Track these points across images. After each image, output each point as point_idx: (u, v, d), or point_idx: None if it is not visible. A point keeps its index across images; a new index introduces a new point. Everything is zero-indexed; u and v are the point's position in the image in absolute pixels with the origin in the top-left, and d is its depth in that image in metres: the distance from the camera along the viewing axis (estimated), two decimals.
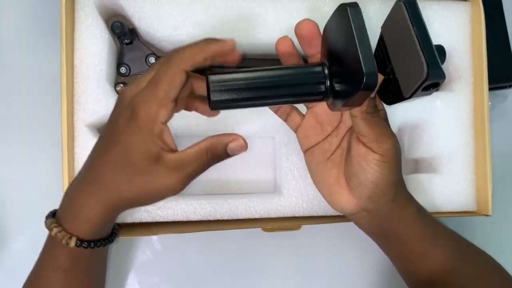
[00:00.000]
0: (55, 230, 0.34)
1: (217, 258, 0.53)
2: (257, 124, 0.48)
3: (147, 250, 0.52)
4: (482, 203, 0.50)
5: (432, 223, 0.40)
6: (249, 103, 0.31)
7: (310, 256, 0.55)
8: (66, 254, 0.35)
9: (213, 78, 0.31)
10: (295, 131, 0.39)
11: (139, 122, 0.30)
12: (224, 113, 0.36)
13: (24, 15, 0.52)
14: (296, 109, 0.39)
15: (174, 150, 0.32)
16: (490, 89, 0.52)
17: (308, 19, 0.33)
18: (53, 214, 0.36)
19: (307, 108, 0.38)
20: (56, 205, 0.46)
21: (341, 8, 0.29)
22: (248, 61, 0.50)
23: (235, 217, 0.46)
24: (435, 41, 0.50)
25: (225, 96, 0.31)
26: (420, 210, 0.39)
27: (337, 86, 0.31)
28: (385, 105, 0.36)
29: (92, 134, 0.44)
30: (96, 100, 0.44)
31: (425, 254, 0.39)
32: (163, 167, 0.31)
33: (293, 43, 0.35)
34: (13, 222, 0.51)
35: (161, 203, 0.45)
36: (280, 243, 0.54)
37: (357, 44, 0.27)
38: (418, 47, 0.28)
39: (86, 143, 0.44)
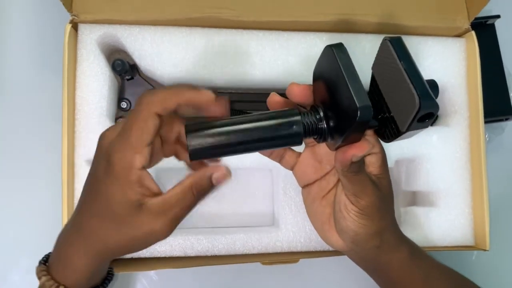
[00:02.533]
0: (43, 278, 0.34)
1: None
2: (255, 156, 0.48)
3: (144, 280, 0.52)
4: (480, 237, 0.50)
5: (426, 265, 0.40)
6: (231, 149, 0.31)
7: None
8: None
9: (189, 124, 0.31)
10: (291, 169, 0.39)
11: (115, 171, 0.29)
12: None
13: (27, 53, 0.53)
14: (290, 150, 0.39)
15: (157, 194, 0.31)
16: (487, 122, 0.53)
17: (294, 84, 0.33)
18: (45, 260, 0.36)
19: (306, 145, 0.38)
20: (53, 239, 0.46)
21: (327, 49, 0.30)
22: (246, 95, 0.51)
23: (232, 253, 0.46)
24: (430, 76, 0.51)
25: (204, 143, 0.30)
26: (413, 252, 0.38)
27: (334, 126, 0.31)
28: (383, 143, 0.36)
29: None
30: (97, 136, 0.44)
31: None
32: (146, 213, 0.30)
33: (281, 98, 0.35)
34: (11, 255, 0.51)
35: None
36: (278, 275, 0.54)
37: (347, 81, 0.28)
38: (408, 81, 0.29)
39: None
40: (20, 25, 0.54)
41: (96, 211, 0.31)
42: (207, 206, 0.50)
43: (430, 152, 0.50)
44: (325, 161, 0.38)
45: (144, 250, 0.45)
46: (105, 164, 0.30)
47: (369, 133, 0.33)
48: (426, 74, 0.51)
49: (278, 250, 0.47)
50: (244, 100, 0.51)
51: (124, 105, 0.49)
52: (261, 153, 0.37)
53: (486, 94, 0.50)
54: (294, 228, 0.47)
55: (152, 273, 0.53)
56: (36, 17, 0.54)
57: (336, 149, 0.31)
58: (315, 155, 0.38)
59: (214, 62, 0.47)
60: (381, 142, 0.35)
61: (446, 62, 0.51)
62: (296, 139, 0.31)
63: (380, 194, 0.34)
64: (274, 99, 0.34)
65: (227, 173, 0.31)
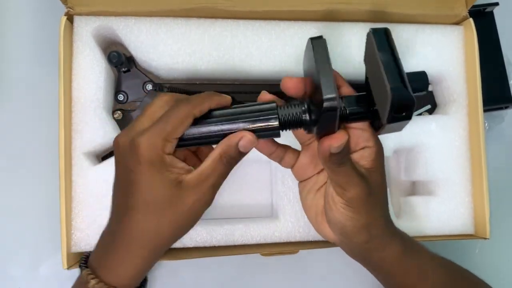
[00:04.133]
0: (92, 282, 0.33)
1: (214, 282, 0.53)
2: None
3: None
4: (480, 226, 0.50)
5: (420, 258, 0.39)
6: (214, 139, 0.33)
7: (308, 279, 0.54)
8: None
9: None
10: (291, 168, 0.39)
11: (147, 158, 0.31)
12: None
13: (23, 45, 0.53)
14: (290, 150, 0.38)
15: (190, 170, 0.33)
16: (486, 110, 0.53)
17: (287, 78, 0.34)
18: (84, 262, 0.36)
19: (304, 144, 0.38)
20: (52, 233, 0.46)
21: (308, 42, 0.32)
22: (243, 86, 0.51)
23: (231, 243, 0.46)
24: (428, 64, 0.51)
25: (188, 133, 0.33)
26: (406, 246, 0.38)
27: (314, 116, 0.32)
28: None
29: (90, 163, 0.44)
30: (94, 128, 0.44)
31: (413, 286, 0.39)
32: (187, 188, 0.32)
33: (271, 96, 0.35)
34: (10, 249, 0.51)
35: None
36: (278, 266, 0.54)
37: (319, 73, 0.29)
38: (383, 73, 0.29)
39: (83, 171, 0.44)
40: (15, 17, 0.53)
41: (136, 204, 0.32)
42: None
43: (429, 141, 0.50)
44: None
45: None
46: (133, 156, 0.31)
47: (364, 127, 0.33)
48: (424, 63, 0.52)
49: (277, 240, 0.47)
50: (241, 91, 0.51)
51: (121, 97, 0.49)
52: (261, 152, 0.38)
53: (485, 82, 0.50)
54: (293, 219, 0.47)
55: (153, 268, 0.52)
56: (31, 10, 0.53)
57: (318, 139, 0.32)
58: (313, 151, 0.38)
59: (211, 53, 0.47)
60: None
61: (444, 50, 0.51)
62: (274, 131, 0.33)
63: (368, 188, 0.33)
64: (264, 98, 0.35)
65: (253, 139, 0.33)
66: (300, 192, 0.40)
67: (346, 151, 0.32)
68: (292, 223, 0.47)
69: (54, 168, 0.43)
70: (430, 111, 0.54)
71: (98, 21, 0.45)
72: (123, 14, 0.46)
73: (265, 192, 0.51)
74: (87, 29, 0.45)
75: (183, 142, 0.33)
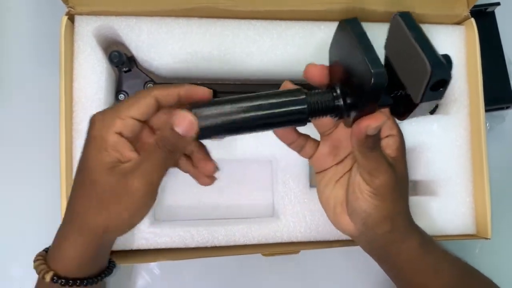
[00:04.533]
0: (36, 263, 0.34)
1: (216, 282, 0.53)
2: (254, 148, 0.48)
3: (146, 275, 0.52)
4: (482, 226, 0.49)
5: (436, 255, 0.39)
6: (236, 126, 0.31)
7: (309, 280, 0.54)
8: None
9: (192, 103, 0.31)
10: (309, 158, 0.39)
11: (93, 135, 0.30)
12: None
13: (24, 45, 0.53)
14: (311, 140, 0.38)
15: (132, 159, 0.31)
16: (488, 110, 0.52)
17: (311, 65, 0.33)
18: (48, 248, 0.36)
19: (323, 135, 0.38)
20: (52, 233, 0.46)
21: (340, 24, 0.31)
22: (244, 86, 0.51)
23: (232, 243, 0.46)
24: None
25: (210, 122, 0.31)
26: (424, 241, 0.38)
27: (350, 101, 0.31)
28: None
29: None
30: None
31: (425, 285, 0.39)
32: (119, 174, 0.30)
33: (294, 85, 0.34)
34: (11, 249, 0.51)
35: (158, 230, 0.45)
36: (279, 267, 0.54)
37: (362, 50, 0.28)
38: (419, 50, 0.29)
39: None
40: (16, 17, 0.53)
41: (79, 186, 0.32)
42: (206, 198, 0.50)
43: (431, 141, 0.50)
44: (343, 146, 0.37)
45: (144, 242, 0.45)
46: (88, 133, 0.31)
47: (387, 115, 0.33)
48: None
49: (278, 240, 0.47)
50: (242, 91, 0.50)
51: (121, 97, 0.49)
52: (282, 140, 0.36)
53: (486, 82, 0.50)
54: (294, 219, 0.47)
55: (153, 266, 0.52)
56: (32, 9, 0.53)
57: (352, 123, 0.31)
58: (333, 141, 0.37)
59: (212, 53, 0.47)
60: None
61: (446, 50, 0.51)
62: (301, 120, 0.32)
63: (395, 176, 0.33)
64: (287, 87, 0.34)
65: (191, 120, 0.30)
66: (318, 184, 0.39)
67: (378, 135, 0.32)
68: (293, 223, 0.47)
69: (55, 168, 0.43)
70: (432, 111, 0.53)
71: (99, 21, 0.45)
72: (124, 13, 0.46)
73: (266, 192, 0.51)
74: (88, 29, 0.45)
75: (202, 133, 0.31)
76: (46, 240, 0.50)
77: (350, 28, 0.30)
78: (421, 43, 0.29)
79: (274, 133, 0.36)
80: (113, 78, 0.48)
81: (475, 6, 0.50)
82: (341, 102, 0.32)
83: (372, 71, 0.27)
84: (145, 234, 0.45)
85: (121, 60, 0.45)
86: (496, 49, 0.55)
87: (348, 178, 0.37)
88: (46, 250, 0.36)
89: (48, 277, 0.33)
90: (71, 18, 0.45)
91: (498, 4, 0.54)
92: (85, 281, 0.34)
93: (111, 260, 0.39)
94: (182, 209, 0.50)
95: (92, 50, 0.45)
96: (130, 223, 0.32)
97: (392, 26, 0.32)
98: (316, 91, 0.32)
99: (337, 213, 0.37)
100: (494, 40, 0.55)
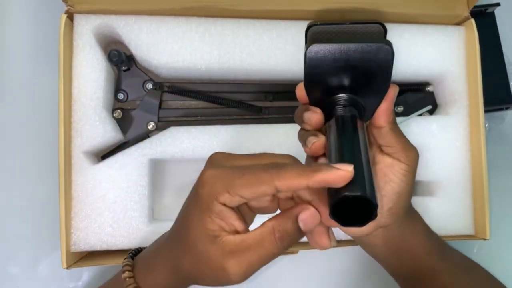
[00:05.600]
0: (126, 273, 0.33)
1: None
2: (253, 149, 0.48)
3: None
4: (480, 226, 0.50)
5: (437, 237, 0.41)
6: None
7: (308, 280, 0.54)
8: None
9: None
10: None
11: (200, 198, 0.28)
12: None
13: (23, 44, 0.53)
14: None
15: (239, 232, 0.28)
16: (487, 111, 0.52)
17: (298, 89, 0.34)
18: (133, 254, 0.36)
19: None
20: (51, 232, 0.46)
21: (309, 49, 0.31)
22: (244, 86, 0.51)
23: None
24: (429, 64, 0.51)
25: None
26: (426, 224, 0.40)
27: (365, 98, 0.33)
28: None
29: (89, 161, 0.44)
30: (93, 127, 0.44)
31: (433, 269, 0.39)
32: (219, 248, 0.27)
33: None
34: (10, 248, 0.51)
35: (157, 229, 0.45)
36: (277, 267, 0.54)
37: (355, 39, 0.30)
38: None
39: (83, 170, 0.44)
40: (15, 16, 0.53)
41: (177, 233, 0.31)
42: None
43: (430, 142, 0.50)
44: None
45: (143, 241, 0.45)
46: (196, 181, 0.29)
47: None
48: (425, 63, 0.52)
49: None
50: (242, 91, 0.51)
51: (121, 96, 0.49)
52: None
53: (486, 83, 0.50)
54: None
55: None
56: (31, 8, 0.53)
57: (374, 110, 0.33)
58: None
59: (211, 52, 0.47)
60: None
61: (445, 51, 0.51)
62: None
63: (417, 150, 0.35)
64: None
65: (316, 214, 0.28)
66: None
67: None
68: None
69: (53, 167, 0.43)
70: (431, 112, 0.53)
71: (99, 20, 0.45)
72: (123, 12, 0.45)
73: None
74: (87, 28, 0.45)
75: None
76: (44, 239, 0.50)
77: (322, 39, 0.32)
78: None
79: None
80: (112, 77, 0.48)
81: (475, 7, 0.50)
82: (353, 110, 0.32)
83: (384, 44, 0.30)
84: (144, 233, 0.45)
85: (120, 59, 0.45)
86: (496, 50, 0.55)
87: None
88: (132, 255, 0.35)
89: None
90: (70, 17, 0.45)
91: (498, 5, 0.54)
92: None
93: None
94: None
95: (91, 48, 0.45)
96: (213, 286, 0.30)
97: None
98: (342, 104, 0.33)
99: None
100: (494, 41, 0.55)
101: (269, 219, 0.28)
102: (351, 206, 0.25)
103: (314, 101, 0.34)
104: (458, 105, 0.51)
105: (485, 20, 0.54)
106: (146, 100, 0.49)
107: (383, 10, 0.48)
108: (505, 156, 0.59)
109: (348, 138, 0.30)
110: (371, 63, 0.30)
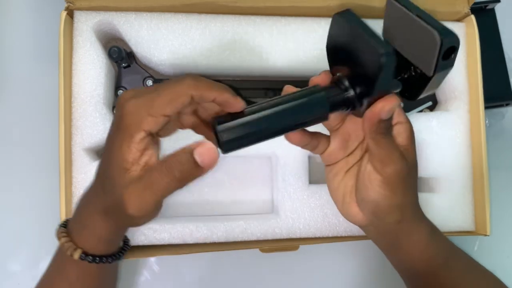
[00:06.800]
0: (63, 239, 0.34)
1: (215, 279, 0.53)
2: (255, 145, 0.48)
3: (145, 272, 0.52)
4: (480, 222, 0.50)
5: (445, 247, 0.39)
6: (263, 135, 0.31)
7: (308, 276, 0.54)
8: (73, 266, 0.34)
9: (217, 117, 0.31)
10: (320, 154, 0.38)
11: (123, 124, 0.29)
12: None
13: (23, 40, 0.53)
14: (323, 138, 0.37)
15: (146, 166, 0.29)
16: (487, 107, 0.53)
17: (314, 78, 0.34)
18: (65, 224, 0.36)
19: (332, 130, 0.38)
20: (52, 229, 0.46)
21: (335, 18, 0.31)
22: (244, 82, 0.51)
23: (231, 239, 0.46)
24: None
25: (235, 134, 0.30)
26: (432, 232, 0.38)
27: (360, 90, 0.31)
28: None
29: (90, 158, 0.44)
30: (94, 124, 0.44)
31: (434, 274, 0.38)
32: (127, 179, 0.29)
33: (296, 89, 0.34)
34: (10, 245, 0.51)
35: (157, 226, 0.45)
36: (278, 263, 0.54)
37: (366, 35, 0.29)
38: (424, 24, 0.29)
39: (83, 167, 0.44)
40: (15, 12, 0.53)
41: (104, 167, 0.31)
42: (206, 194, 0.50)
43: (430, 138, 0.50)
44: (352, 138, 0.37)
45: (143, 238, 0.45)
46: (117, 119, 0.30)
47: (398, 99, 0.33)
48: None
49: (277, 236, 0.47)
50: (242, 87, 0.51)
51: (121, 93, 0.49)
52: (296, 145, 0.36)
53: (486, 79, 0.50)
54: (293, 215, 0.47)
55: (152, 263, 0.52)
56: (31, 5, 0.53)
57: (365, 110, 0.31)
58: (342, 135, 0.37)
59: (211, 49, 0.46)
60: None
61: None
62: (323, 115, 0.32)
63: (406, 165, 0.33)
64: (288, 91, 0.34)
65: (212, 150, 0.29)
66: (327, 174, 0.39)
67: (390, 121, 0.32)
68: (293, 219, 0.47)
69: (54, 164, 0.43)
70: (431, 108, 0.53)
71: (99, 16, 0.45)
72: (123, 9, 0.45)
73: (266, 188, 0.51)
74: (87, 24, 0.45)
75: (228, 146, 0.30)
76: (45, 236, 0.50)
77: (347, 19, 0.30)
78: (424, 17, 0.29)
79: (288, 139, 0.35)
80: (112, 74, 0.48)
81: (475, 3, 0.50)
82: (351, 92, 0.32)
83: (380, 51, 0.28)
84: (144, 230, 0.45)
85: (121, 56, 0.45)
86: (496, 46, 0.55)
87: (357, 168, 0.37)
88: (64, 225, 0.36)
89: (76, 255, 0.33)
90: (70, 13, 0.45)
91: (498, 1, 0.54)
92: (110, 258, 0.35)
93: (125, 238, 0.41)
94: (181, 205, 0.50)
95: (92, 45, 0.45)
96: (133, 221, 0.32)
97: (388, 11, 0.33)
98: (330, 86, 0.33)
99: (346, 202, 0.37)
100: (494, 37, 0.55)
101: (169, 155, 0.29)
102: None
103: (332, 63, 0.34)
104: (458, 102, 0.51)
105: (485, 17, 0.54)
106: None
107: (383, 7, 0.47)
108: (506, 152, 0.59)
109: (281, 101, 0.31)
110: (364, 58, 0.30)
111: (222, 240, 0.46)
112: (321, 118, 0.32)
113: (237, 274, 0.53)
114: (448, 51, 0.29)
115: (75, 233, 0.34)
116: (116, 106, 0.31)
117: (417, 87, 0.33)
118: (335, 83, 0.33)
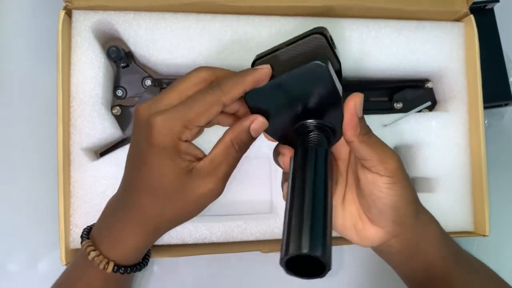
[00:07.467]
0: (92, 254, 0.34)
1: (214, 279, 0.53)
2: (252, 145, 0.48)
3: (144, 273, 0.52)
4: (480, 223, 0.50)
5: (451, 241, 0.39)
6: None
7: None
8: (99, 277, 0.35)
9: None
10: None
11: (159, 141, 0.30)
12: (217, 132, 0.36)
13: (21, 40, 0.53)
14: None
15: (202, 157, 0.32)
16: (486, 107, 0.52)
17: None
18: (87, 233, 0.36)
19: None
20: (50, 229, 0.46)
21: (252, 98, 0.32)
22: None
23: (230, 240, 0.46)
24: (429, 61, 0.51)
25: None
26: (440, 225, 0.39)
27: (326, 111, 0.32)
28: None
29: (88, 158, 0.44)
30: (92, 123, 0.44)
31: (445, 274, 0.38)
32: (198, 176, 0.31)
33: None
34: (9, 245, 0.51)
35: None
36: (277, 263, 0.53)
37: (293, 71, 0.30)
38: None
39: (82, 166, 0.44)
40: (13, 12, 0.53)
41: (145, 186, 0.32)
42: None
43: (429, 138, 0.50)
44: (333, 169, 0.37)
45: None
46: (147, 135, 0.30)
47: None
48: (424, 59, 0.52)
49: (277, 237, 0.47)
50: None
51: (119, 93, 0.49)
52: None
53: (485, 79, 0.49)
54: None
55: (151, 264, 0.52)
56: (29, 4, 0.53)
57: (340, 125, 0.32)
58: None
59: (210, 49, 0.46)
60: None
61: (445, 47, 0.51)
62: (330, 158, 0.33)
63: (398, 156, 0.33)
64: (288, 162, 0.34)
65: (264, 122, 0.33)
66: None
67: (368, 126, 0.33)
68: None
69: (52, 164, 0.43)
70: (430, 108, 0.53)
71: (97, 16, 0.45)
72: (122, 8, 0.45)
73: (265, 188, 0.51)
74: (85, 24, 0.45)
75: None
76: (43, 236, 0.50)
77: (268, 87, 0.31)
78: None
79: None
80: (111, 74, 0.48)
81: (474, 3, 0.50)
82: (324, 122, 0.32)
83: (315, 62, 0.29)
84: None
85: (119, 56, 0.45)
86: (495, 46, 0.55)
87: (352, 192, 0.36)
88: (86, 236, 0.36)
89: (110, 268, 0.34)
90: (68, 13, 0.44)
91: (497, 1, 0.54)
92: (139, 266, 0.37)
93: None
94: None
95: (90, 45, 0.45)
96: (195, 215, 0.34)
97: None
98: (314, 137, 0.33)
99: (359, 229, 0.36)
100: (493, 37, 0.55)
101: (225, 134, 0.32)
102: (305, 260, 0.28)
103: (280, 138, 0.35)
104: (457, 102, 0.51)
105: (484, 17, 0.54)
106: (145, 96, 0.48)
107: (382, 7, 0.48)
108: (505, 153, 0.59)
109: (300, 180, 0.30)
110: (311, 85, 0.30)
111: (221, 240, 0.46)
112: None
113: (237, 274, 0.53)
114: None
115: (105, 247, 0.35)
116: (137, 122, 0.32)
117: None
118: (311, 130, 0.32)
